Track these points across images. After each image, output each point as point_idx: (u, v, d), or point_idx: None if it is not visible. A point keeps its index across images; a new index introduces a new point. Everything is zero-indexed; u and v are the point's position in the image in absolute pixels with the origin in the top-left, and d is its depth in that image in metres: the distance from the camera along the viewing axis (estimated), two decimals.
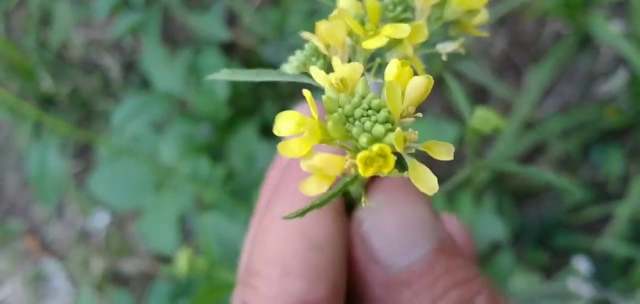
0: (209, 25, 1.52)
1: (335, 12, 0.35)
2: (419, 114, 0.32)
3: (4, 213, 1.83)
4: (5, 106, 1.58)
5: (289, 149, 0.30)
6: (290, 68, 0.40)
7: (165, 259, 1.65)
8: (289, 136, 0.31)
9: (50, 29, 1.75)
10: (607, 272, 1.27)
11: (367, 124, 0.29)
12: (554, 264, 1.30)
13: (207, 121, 1.48)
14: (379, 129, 0.29)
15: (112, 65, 1.72)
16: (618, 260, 1.26)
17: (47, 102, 1.76)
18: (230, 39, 1.58)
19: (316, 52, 0.39)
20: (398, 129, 0.29)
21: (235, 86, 1.50)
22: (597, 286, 0.99)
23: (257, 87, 1.57)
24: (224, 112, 1.46)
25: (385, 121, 0.30)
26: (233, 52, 1.61)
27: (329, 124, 0.29)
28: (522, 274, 1.20)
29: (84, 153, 1.75)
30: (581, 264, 1.03)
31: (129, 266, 1.67)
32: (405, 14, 0.39)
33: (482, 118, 0.59)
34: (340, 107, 0.30)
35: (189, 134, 1.44)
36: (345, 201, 0.41)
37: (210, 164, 1.39)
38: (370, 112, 0.30)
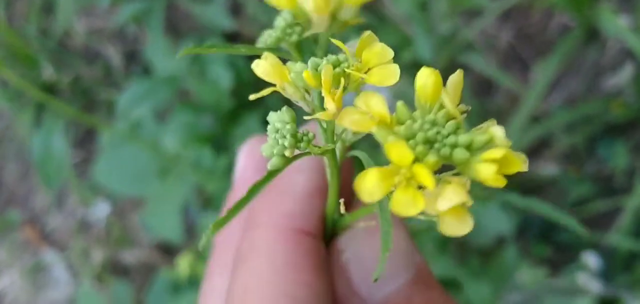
0: (213, 14, 1.51)
1: None
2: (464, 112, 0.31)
3: (4, 203, 1.82)
4: (7, 94, 1.56)
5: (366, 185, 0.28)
6: (265, 43, 0.39)
7: (167, 250, 1.64)
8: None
9: (52, 17, 1.73)
10: (613, 267, 1.27)
11: (449, 139, 0.28)
12: (558, 259, 1.30)
13: (210, 111, 1.47)
14: (461, 151, 0.27)
15: (114, 54, 1.70)
16: (623, 255, 1.25)
17: (48, 91, 1.74)
18: (234, 28, 1.57)
19: (291, 25, 0.37)
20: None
21: (238, 76, 1.48)
22: (604, 281, 0.98)
23: (261, 79, 1.56)
24: (227, 103, 1.45)
25: (455, 130, 0.28)
26: (237, 42, 1.60)
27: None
28: (528, 269, 1.19)
29: (84, 143, 1.74)
30: (590, 259, 1.02)
31: (130, 257, 1.66)
32: None
33: None
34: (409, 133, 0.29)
35: (192, 124, 1.43)
36: (326, 231, 0.40)
37: (213, 154, 1.38)
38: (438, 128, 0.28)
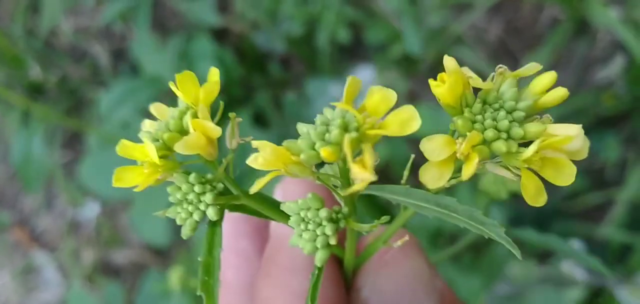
0: (201, 11, 1.49)
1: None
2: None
3: None
4: None
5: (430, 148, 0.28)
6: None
7: (157, 250, 1.62)
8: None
9: (38, 16, 1.71)
10: (605, 260, 1.26)
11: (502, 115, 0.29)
12: (551, 252, 1.29)
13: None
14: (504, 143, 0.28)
15: (101, 53, 1.68)
16: (615, 247, 1.25)
17: (35, 91, 1.72)
18: (222, 25, 1.55)
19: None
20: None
21: (227, 74, 1.47)
22: (591, 269, 0.97)
23: (249, 75, 1.54)
24: (215, 100, 1.44)
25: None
26: (225, 39, 1.59)
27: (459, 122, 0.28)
28: (518, 262, 1.18)
29: (72, 143, 1.72)
30: (575, 247, 1.01)
31: (120, 257, 1.65)
32: None
33: (498, 179, 0.55)
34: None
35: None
36: (347, 279, 0.40)
37: None
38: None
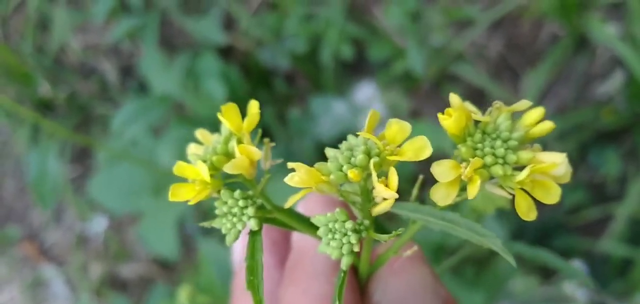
0: (207, 29, 1.52)
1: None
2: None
3: (2, 219, 1.83)
4: (3, 111, 1.57)
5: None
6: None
7: (165, 264, 1.65)
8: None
9: (47, 34, 1.75)
10: (606, 274, 1.27)
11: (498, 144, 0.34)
12: (554, 269, 1.30)
13: (205, 125, 1.48)
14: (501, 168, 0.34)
15: (109, 69, 1.72)
16: (616, 261, 1.26)
17: (45, 107, 1.76)
18: (228, 42, 1.58)
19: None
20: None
21: (232, 89, 1.50)
22: (593, 289, 0.99)
23: (255, 92, 1.57)
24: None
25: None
26: (230, 56, 1.62)
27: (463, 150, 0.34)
28: (521, 277, 1.20)
29: (81, 158, 1.75)
30: (576, 265, 1.03)
31: (128, 271, 1.67)
32: None
33: (486, 197, 0.59)
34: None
35: (187, 138, 1.44)
36: (361, 285, 0.44)
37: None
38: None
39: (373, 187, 0.33)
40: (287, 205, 0.35)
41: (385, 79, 1.47)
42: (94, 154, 1.63)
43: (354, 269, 0.43)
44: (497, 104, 0.36)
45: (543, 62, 1.35)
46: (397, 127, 0.34)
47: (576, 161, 1.38)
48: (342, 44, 1.48)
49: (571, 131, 1.36)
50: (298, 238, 0.44)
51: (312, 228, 0.37)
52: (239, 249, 0.49)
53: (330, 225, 0.35)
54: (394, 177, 0.32)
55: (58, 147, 0.92)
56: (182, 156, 1.32)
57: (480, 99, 1.50)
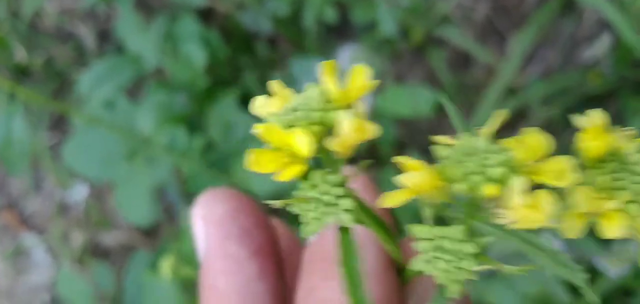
0: None
1: None
2: None
3: None
4: None
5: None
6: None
7: (146, 231, 1.63)
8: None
9: None
10: (587, 241, 1.27)
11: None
12: None
13: (185, 90, 1.45)
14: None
15: (86, 34, 1.67)
16: None
17: (21, 73, 1.71)
18: (208, 5, 1.53)
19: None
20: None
21: (213, 53, 1.46)
22: (570, 242, 0.99)
23: (236, 56, 1.53)
24: (202, 81, 1.43)
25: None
26: (210, 19, 1.57)
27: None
28: None
29: (60, 125, 1.71)
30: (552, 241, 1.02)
31: (109, 239, 1.65)
32: None
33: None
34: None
35: (166, 103, 1.41)
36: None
37: (188, 134, 1.36)
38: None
39: (500, 206, 0.27)
40: (383, 205, 0.28)
41: (370, 43, 1.43)
42: (72, 121, 1.59)
43: (393, 263, 0.38)
44: (629, 131, 0.30)
45: (529, 24, 1.32)
46: (537, 141, 0.27)
47: (561, 125, 1.37)
48: (325, 6, 1.44)
49: (557, 95, 1.34)
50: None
51: (389, 233, 0.31)
52: (202, 236, 0.42)
53: (439, 241, 0.28)
54: (548, 199, 0.25)
55: (28, 112, 0.88)
56: (162, 123, 1.28)
57: (466, 63, 1.48)
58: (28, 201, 1.77)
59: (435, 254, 0.28)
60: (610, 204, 0.27)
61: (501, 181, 0.26)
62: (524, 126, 1.40)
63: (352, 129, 0.28)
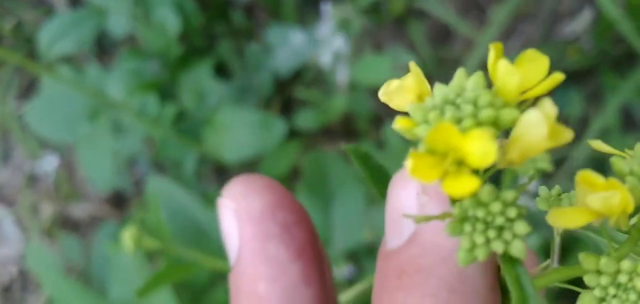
0: None
1: None
2: None
3: None
4: None
5: None
6: None
7: (116, 203, 1.59)
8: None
9: None
10: None
11: None
12: None
13: (158, 58, 1.41)
14: None
15: None
16: None
17: None
18: None
19: None
20: None
21: (187, 22, 1.42)
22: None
23: (211, 24, 1.49)
24: (175, 49, 1.39)
25: None
26: None
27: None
28: None
29: (29, 94, 1.66)
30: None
31: (79, 211, 1.61)
32: None
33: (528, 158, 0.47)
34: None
35: (138, 71, 1.37)
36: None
37: (160, 102, 1.33)
38: None
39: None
40: (556, 225, 0.24)
41: (349, 9, 1.40)
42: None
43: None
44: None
45: None
46: None
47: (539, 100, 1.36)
48: None
49: None
50: (426, 229, 0.31)
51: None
52: (234, 233, 0.37)
53: (618, 278, 0.23)
54: None
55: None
56: (133, 90, 1.23)
57: (446, 37, 1.45)
58: None
59: (615, 292, 0.23)
60: None
61: None
62: None
63: (543, 136, 0.22)
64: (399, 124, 0.23)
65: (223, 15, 1.50)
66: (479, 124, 0.22)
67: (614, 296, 0.23)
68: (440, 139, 0.21)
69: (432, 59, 1.39)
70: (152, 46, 1.39)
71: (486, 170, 0.23)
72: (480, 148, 0.21)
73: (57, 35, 0.97)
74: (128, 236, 1.17)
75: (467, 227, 0.23)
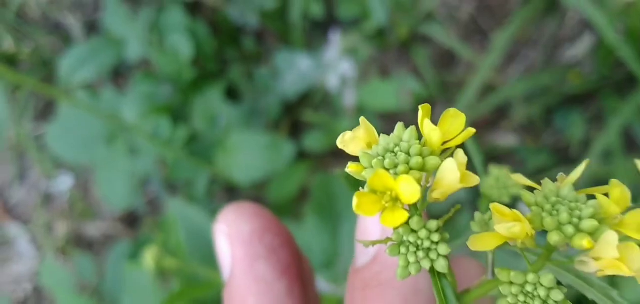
0: None
1: None
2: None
3: None
4: None
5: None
6: None
7: (130, 222, 1.63)
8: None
9: None
10: None
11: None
12: None
13: (171, 82, 1.46)
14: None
15: (73, 24, 1.67)
16: None
17: (8, 62, 1.70)
18: None
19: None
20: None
21: (199, 46, 1.46)
22: None
23: (223, 49, 1.54)
24: (188, 73, 1.43)
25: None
26: (198, 12, 1.58)
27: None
28: None
29: (45, 115, 1.71)
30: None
31: (93, 230, 1.65)
32: None
33: (501, 185, 0.52)
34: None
35: (152, 94, 1.42)
36: None
37: (172, 124, 1.37)
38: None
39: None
40: (474, 248, 0.28)
41: (356, 39, 1.45)
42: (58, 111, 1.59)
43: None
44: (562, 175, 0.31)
45: (512, 21, 1.34)
46: (621, 194, 0.27)
47: (542, 124, 1.38)
48: (311, 1, 1.45)
49: (538, 94, 1.36)
50: (384, 251, 0.37)
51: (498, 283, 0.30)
52: (227, 254, 0.41)
53: (528, 288, 0.28)
54: (634, 253, 0.25)
55: (10, 99, 0.88)
56: (146, 113, 1.28)
57: (450, 61, 1.49)
58: (13, 191, 1.76)
59: (524, 300, 0.28)
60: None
61: (593, 233, 0.26)
62: (506, 124, 1.42)
63: (457, 180, 0.27)
64: (350, 168, 0.29)
65: (234, 41, 1.55)
66: (410, 169, 0.28)
67: (524, 302, 0.28)
68: (379, 182, 0.27)
69: (436, 82, 1.42)
70: (166, 70, 1.43)
71: (417, 205, 0.30)
72: (408, 189, 0.27)
73: (77, 64, 1.02)
74: (149, 255, 1.21)
75: (403, 249, 0.29)
